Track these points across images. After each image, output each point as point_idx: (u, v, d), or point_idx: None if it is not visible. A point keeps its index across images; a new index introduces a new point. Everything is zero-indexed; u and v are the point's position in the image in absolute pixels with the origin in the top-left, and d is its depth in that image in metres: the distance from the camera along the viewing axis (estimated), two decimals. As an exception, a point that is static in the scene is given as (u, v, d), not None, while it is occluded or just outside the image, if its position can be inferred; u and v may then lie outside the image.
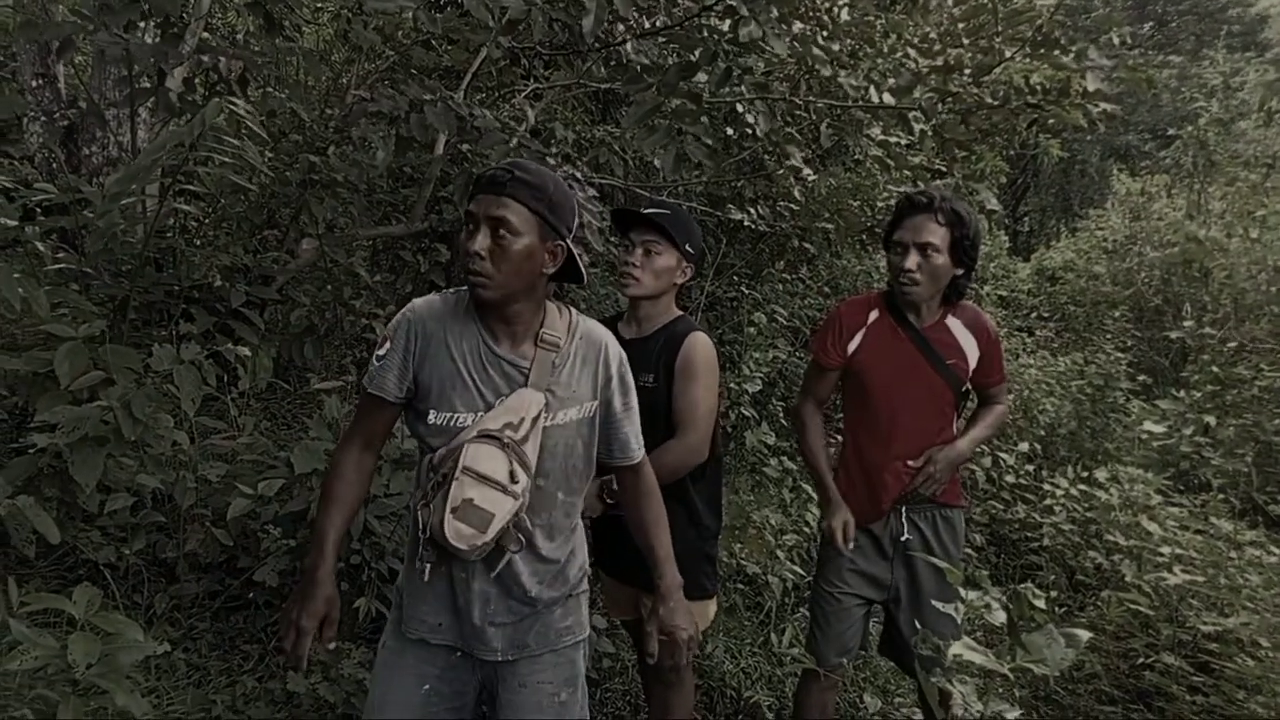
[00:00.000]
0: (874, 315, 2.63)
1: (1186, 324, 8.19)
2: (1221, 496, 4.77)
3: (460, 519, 1.71)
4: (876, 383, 2.60)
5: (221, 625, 2.99)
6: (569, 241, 1.80)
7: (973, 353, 2.58)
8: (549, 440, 1.83)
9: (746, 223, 5.79)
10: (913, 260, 2.45)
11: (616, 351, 1.94)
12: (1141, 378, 7.09)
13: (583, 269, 1.86)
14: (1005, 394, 2.76)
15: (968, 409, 2.81)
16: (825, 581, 2.73)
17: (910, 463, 2.57)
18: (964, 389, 2.64)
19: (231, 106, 3.17)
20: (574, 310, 1.95)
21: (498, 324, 1.82)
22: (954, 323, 2.58)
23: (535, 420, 1.79)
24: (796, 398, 2.94)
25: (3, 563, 2.78)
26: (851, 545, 2.62)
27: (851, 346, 2.63)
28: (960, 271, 2.51)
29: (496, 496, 1.73)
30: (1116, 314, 8.83)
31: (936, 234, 2.44)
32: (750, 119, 4.67)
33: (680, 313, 2.57)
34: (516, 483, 1.74)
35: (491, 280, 1.72)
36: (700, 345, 2.44)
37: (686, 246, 2.49)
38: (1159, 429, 5.69)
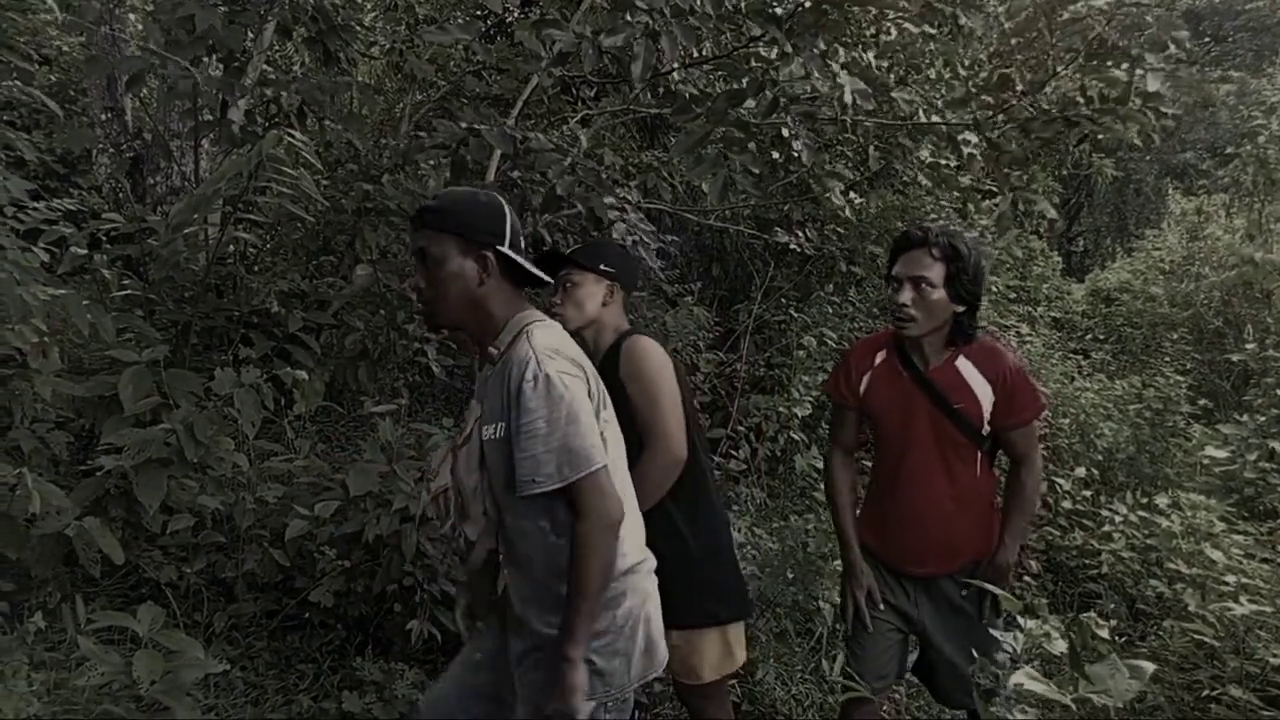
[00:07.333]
0: (881, 356, 2.55)
1: (1249, 346, 7.96)
2: (1289, 524, 4.63)
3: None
4: (884, 425, 2.54)
5: (278, 644, 3.04)
6: (501, 248, 1.86)
7: (985, 394, 2.43)
8: (486, 452, 1.86)
9: (793, 246, 5.78)
10: (907, 295, 2.37)
11: (520, 371, 1.77)
12: (1202, 401, 6.91)
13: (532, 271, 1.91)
14: (1034, 445, 2.51)
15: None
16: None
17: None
18: (984, 433, 2.47)
19: (289, 138, 3.26)
20: (529, 327, 1.86)
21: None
22: (964, 364, 2.45)
23: (475, 426, 1.89)
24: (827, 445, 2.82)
25: (70, 581, 2.86)
26: (868, 625, 2.58)
27: (861, 388, 2.56)
28: (961, 309, 2.41)
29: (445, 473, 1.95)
30: (1175, 336, 8.62)
31: (931, 268, 2.35)
32: (795, 146, 4.68)
33: (626, 327, 2.51)
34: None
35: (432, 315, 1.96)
36: (639, 348, 2.37)
37: (601, 266, 2.46)
38: (1221, 454, 5.52)
